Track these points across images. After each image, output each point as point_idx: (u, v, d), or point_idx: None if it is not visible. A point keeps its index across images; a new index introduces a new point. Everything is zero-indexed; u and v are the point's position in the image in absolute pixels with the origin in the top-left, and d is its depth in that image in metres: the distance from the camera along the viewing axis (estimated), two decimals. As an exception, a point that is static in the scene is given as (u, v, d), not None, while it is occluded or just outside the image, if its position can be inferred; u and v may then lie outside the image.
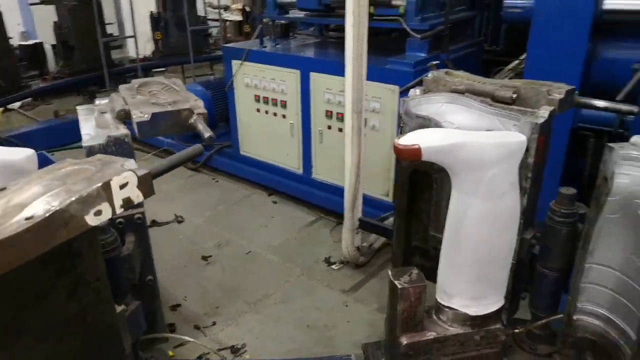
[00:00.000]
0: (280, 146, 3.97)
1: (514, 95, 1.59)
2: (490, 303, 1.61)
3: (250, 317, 2.78)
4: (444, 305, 1.64)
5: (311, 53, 3.84)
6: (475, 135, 1.41)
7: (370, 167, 3.29)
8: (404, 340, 1.57)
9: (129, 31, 6.73)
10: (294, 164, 3.96)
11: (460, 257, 1.54)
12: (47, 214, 0.92)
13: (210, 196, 4.22)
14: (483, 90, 1.64)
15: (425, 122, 1.65)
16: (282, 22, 4.21)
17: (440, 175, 1.78)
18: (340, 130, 3.41)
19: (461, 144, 1.34)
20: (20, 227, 0.89)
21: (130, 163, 1.10)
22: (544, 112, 1.52)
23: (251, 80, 3.96)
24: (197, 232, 3.66)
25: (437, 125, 1.63)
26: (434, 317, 1.66)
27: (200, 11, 7.51)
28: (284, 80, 3.74)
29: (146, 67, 6.53)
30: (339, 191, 3.32)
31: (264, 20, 4.13)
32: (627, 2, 2.31)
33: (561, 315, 1.60)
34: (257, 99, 3.97)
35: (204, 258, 3.31)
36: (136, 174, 1.06)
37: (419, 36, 3.05)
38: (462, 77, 1.80)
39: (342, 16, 2.71)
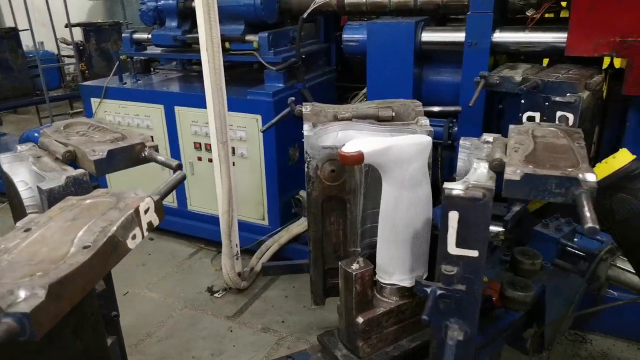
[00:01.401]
0: (151, 182, 3.86)
1: (393, 114, 1.85)
2: (419, 274, 1.86)
3: (132, 359, 2.71)
4: (385, 284, 1.86)
5: (174, 87, 3.88)
6: (398, 139, 1.65)
7: (243, 193, 3.42)
8: (361, 319, 1.75)
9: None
10: (167, 198, 3.92)
11: (396, 237, 1.76)
12: (104, 240, 0.96)
13: (79, 241, 3.98)
14: (367, 114, 1.88)
15: (332, 151, 1.86)
16: (142, 57, 4.20)
17: (352, 196, 1.99)
18: (211, 160, 3.49)
19: (391, 146, 1.57)
20: (85, 255, 0.91)
21: (140, 191, 1.16)
22: (425, 121, 1.81)
23: (114, 117, 3.87)
24: (67, 281, 3.44)
25: None
26: (378, 295, 1.88)
27: (50, 47, 7.10)
28: (148, 116, 3.73)
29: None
30: (216, 220, 3.39)
31: (121, 57, 4.09)
32: (436, 34, 2.78)
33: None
34: (122, 136, 3.88)
35: (77, 307, 3.14)
36: (153, 199, 1.14)
37: (274, 68, 3.28)
38: (327, 107, 2.02)
39: (200, 51, 2.83)
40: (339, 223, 2.13)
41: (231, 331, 2.92)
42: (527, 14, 2.56)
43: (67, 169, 1.45)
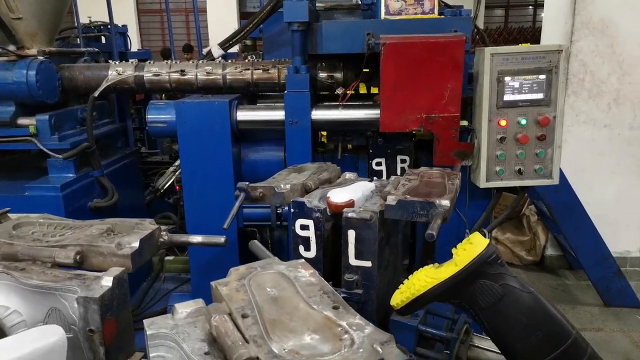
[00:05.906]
0: None
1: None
2: None
3: None
4: None
5: None
6: (360, 186, 1.74)
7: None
8: None
9: None
10: None
11: None
12: None
13: None
14: (325, 178, 1.89)
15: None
16: None
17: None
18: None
19: (363, 191, 1.69)
20: None
21: None
22: (352, 175, 1.96)
23: None
24: None
25: None
26: None
27: None
28: None
29: None
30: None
31: None
32: (253, 113, 2.66)
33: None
34: None
35: None
36: None
37: (60, 156, 2.70)
38: (284, 183, 1.85)
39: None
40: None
41: None
42: (337, 92, 2.63)
43: (85, 273, 1.27)
